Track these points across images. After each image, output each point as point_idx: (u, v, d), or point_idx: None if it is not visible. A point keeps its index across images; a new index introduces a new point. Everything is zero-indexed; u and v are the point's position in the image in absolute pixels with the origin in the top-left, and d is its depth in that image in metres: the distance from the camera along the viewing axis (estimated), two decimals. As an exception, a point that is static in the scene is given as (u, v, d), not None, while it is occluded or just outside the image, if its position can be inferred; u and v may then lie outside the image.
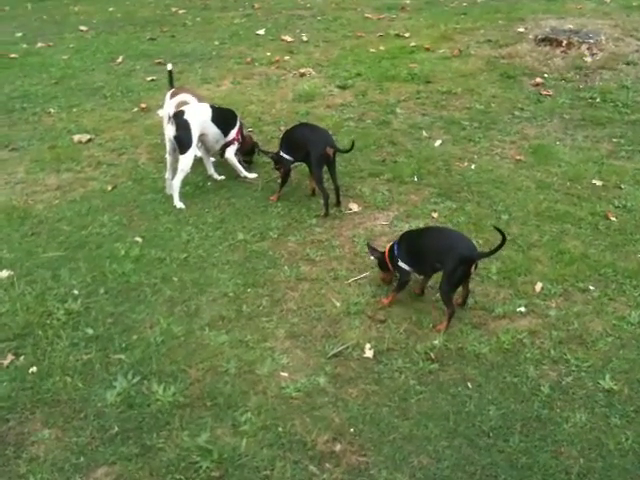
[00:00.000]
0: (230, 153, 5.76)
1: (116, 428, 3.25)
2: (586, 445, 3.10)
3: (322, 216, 5.09)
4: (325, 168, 5.13)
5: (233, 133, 5.73)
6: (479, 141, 6.39)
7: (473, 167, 5.85)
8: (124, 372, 3.59)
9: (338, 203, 5.24)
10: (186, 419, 3.30)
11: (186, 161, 5.32)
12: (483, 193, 5.40)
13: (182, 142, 5.28)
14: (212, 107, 5.64)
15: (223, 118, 5.69)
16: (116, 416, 3.32)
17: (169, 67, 6.22)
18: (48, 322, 4.00)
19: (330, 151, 5.01)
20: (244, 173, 5.85)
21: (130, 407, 3.38)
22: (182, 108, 5.41)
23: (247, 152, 5.98)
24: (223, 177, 5.88)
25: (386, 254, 4.13)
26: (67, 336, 3.87)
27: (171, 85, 6.16)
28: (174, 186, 5.38)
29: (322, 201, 5.11)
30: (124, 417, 3.32)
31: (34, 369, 3.63)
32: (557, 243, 4.69)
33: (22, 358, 3.72)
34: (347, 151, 5.14)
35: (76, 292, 4.27)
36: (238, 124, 5.79)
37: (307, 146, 5.07)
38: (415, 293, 4.18)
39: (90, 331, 3.91)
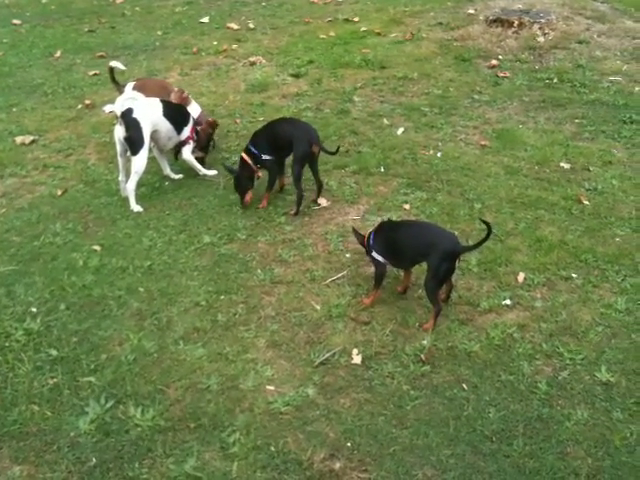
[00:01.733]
0: (187, 153, 5.47)
1: (94, 460, 2.99)
2: (592, 443, 3.00)
3: (292, 215, 4.86)
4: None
5: (187, 131, 5.43)
6: (442, 127, 6.25)
7: (439, 155, 5.70)
8: (96, 396, 3.32)
9: (316, 199, 5.03)
10: (169, 444, 3.06)
11: (140, 162, 5.00)
12: (452, 181, 5.27)
13: (134, 143, 4.95)
14: (163, 101, 5.31)
15: (175, 113, 5.39)
16: (92, 446, 3.06)
17: (113, 65, 5.84)
18: (7, 345, 3.68)
19: (316, 149, 4.80)
20: (203, 171, 5.57)
21: (107, 435, 3.12)
22: (130, 105, 5.05)
23: (204, 146, 5.70)
24: (181, 175, 5.59)
25: (365, 240, 3.95)
26: (29, 359, 3.57)
27: (114, 82, 5.83)
28: (129, 189, 5.06)
29: (296, 199, 4.86)
30: (101, 446, 3.06)
31: (-4, 399, 3.33)
32: (533, 230, 4.59)
33: (-19, 388, 3.41)
34: (333, 153, 4.93)
35: (34, 310, 3.96)
36: (191, 121, 5.49)
37: (291, 143, 4.78)
38: (398, 292, 4.01)
39: (54, 352, 3.62)
